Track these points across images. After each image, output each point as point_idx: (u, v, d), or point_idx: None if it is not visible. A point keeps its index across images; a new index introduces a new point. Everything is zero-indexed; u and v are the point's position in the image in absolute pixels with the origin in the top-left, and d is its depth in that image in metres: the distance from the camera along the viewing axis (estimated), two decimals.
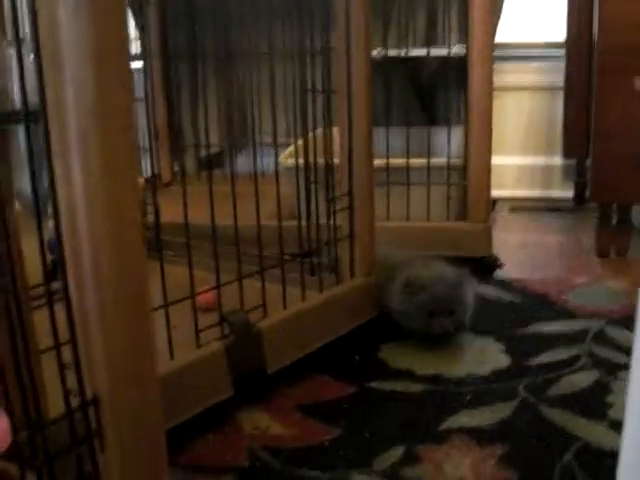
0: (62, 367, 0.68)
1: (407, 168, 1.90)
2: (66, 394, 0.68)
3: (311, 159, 1.43)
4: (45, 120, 0.62)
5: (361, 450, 1.08)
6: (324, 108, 1.45)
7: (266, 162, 1.69)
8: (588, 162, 2.54)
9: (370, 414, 1.19)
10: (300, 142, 1.43)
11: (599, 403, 1.18)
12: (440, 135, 2.04)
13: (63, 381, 0.68)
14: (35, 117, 0.68)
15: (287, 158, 2.00)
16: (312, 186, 1.55)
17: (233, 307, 1.19)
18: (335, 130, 1.48)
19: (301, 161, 1.61)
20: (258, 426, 1.16)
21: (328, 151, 1.44)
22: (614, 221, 2.04)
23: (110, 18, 0.61)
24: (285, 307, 1.29)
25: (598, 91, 1.95)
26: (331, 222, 1.43)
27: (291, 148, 2.03)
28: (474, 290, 1.45)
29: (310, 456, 1.07)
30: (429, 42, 2.64)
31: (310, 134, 1.41)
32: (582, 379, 1.27)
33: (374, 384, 1.30)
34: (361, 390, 1.28)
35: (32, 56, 0.68)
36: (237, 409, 1.20)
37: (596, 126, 1.96)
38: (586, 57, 2.51)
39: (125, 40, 0.62)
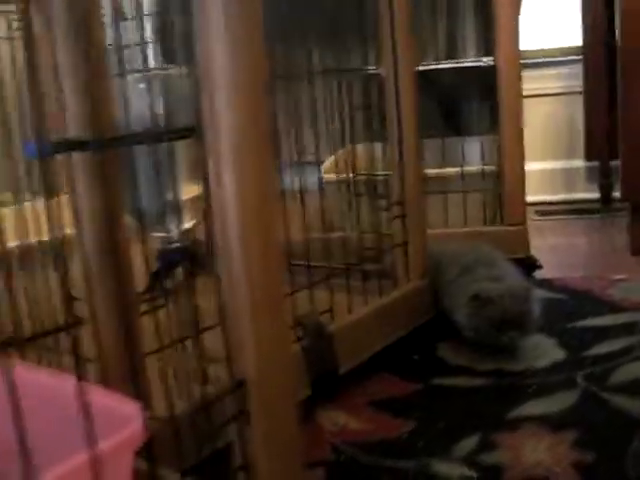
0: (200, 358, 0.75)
1: (444, 177, 1.98)
2: (205, 382, 0.75)
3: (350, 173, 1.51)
4: (201, 136, 0.70)
5: (438, 440, 1.14)
6: (365, 124, 1.53)
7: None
8: (612, 163, 2.61)
9: (440, 407, 1.26)
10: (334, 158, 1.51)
11: None
12: (467, 145, 2.12)
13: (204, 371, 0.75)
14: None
15: (326, 172, 2.07)
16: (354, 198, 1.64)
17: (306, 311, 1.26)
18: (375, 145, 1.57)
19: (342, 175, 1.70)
20: (336, 423, 1.23)
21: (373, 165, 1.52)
22: None
23: (255, 50, 0.69)
24: (350, 312, 1.36)
25: (623, 92, 2.02)
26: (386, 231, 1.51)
27: (328, 163, 2.11)
28: (538, 301, 1.47)
29: (391, 448, 1.14)
30: (450, 54, 2.72)
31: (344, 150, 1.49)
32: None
33: (438, 381, 1.36)
34: (426, 386, 1.34)
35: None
36: (313, 408, 1.27)
37: (623, 126, 2.03)
38: (604, 60, 2.58)
39: (263, 67, 0.70)
